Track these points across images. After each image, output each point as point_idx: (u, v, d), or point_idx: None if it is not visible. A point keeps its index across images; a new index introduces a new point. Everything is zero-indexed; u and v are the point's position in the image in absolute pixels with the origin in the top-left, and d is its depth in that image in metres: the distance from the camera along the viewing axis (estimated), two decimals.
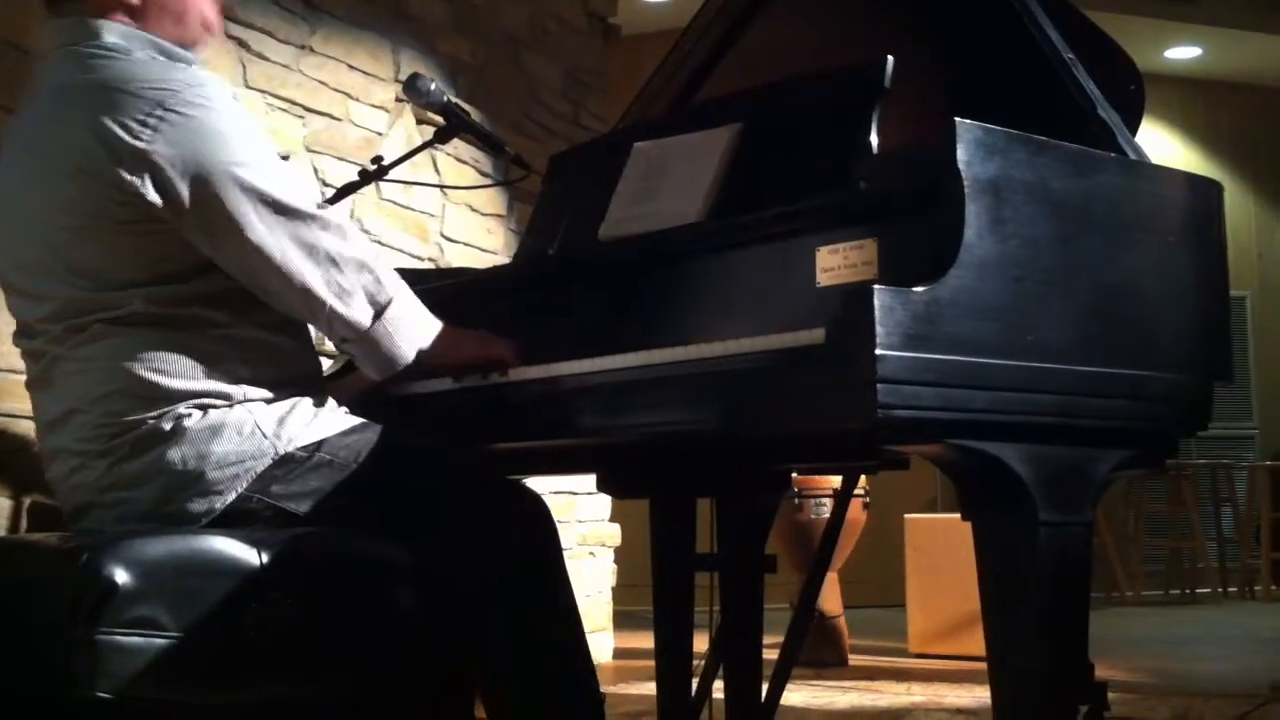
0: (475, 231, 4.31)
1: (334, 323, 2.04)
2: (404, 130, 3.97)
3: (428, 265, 4.04)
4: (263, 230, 1.95)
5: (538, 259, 2.66)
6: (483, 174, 4.24)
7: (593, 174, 2.59)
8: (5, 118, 2.60)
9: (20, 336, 2.10)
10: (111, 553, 1.73)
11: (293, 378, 2.07)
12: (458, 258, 4.17)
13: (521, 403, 2.18)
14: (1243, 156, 9.59)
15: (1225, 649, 6.02)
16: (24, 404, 2.58)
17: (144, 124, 1.90)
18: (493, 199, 4.39)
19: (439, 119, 2.71)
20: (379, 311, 2.05)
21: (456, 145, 3.23)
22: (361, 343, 2.07)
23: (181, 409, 1.95)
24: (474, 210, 4.30)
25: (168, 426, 1.93)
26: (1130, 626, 6.75)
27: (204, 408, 1.96)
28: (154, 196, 1.90)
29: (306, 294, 2.00)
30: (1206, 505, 8.67)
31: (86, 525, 2.00)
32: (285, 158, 2.44)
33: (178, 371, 1.95)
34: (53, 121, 1.98)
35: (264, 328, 2.04)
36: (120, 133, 1.89)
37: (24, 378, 2.59)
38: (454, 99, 2.75)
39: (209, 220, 1.94)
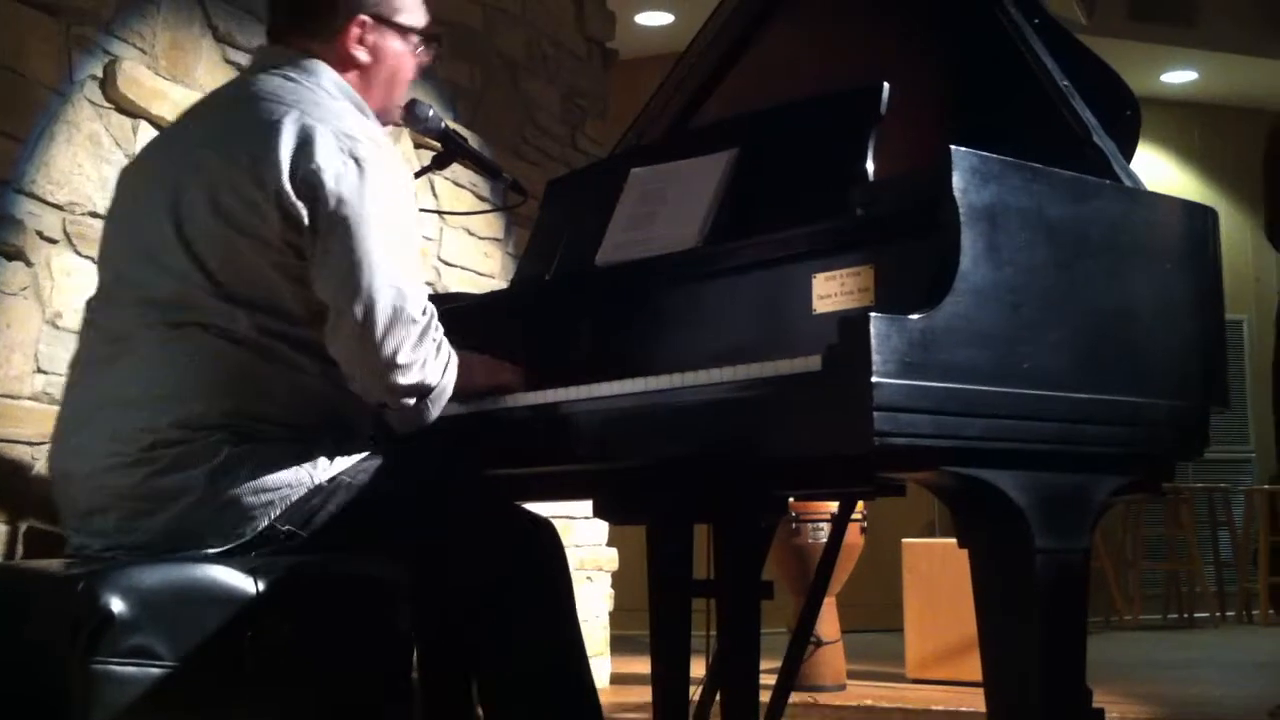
0: (473, 255, 4.31)
1: (378, 393, 2.06)
2: (401, 154, 3.98)
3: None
4: (367, 302, 1.97)
5: (534, 284, 2.66)
6: (480, 198, 4.25)
7: (590, 199, 2.59)
8: (4, 143, 2.61)
9: (102, 303, 2.11)
10: (108, 582, 1.73)
11: (339, 423, 2.09)
12: (455, 281, 4.18)
13: (518, 428, 2.18)
14: (1240, 180, 9.59)
15: (1224, 673, 6.00)
16: (19, 429, 2.59)
17: (330, 158, 1.96)
18: (490, 223, 4.40)
19: (437, 144, 2.72)
20: (424, 396, 2.08)
21: (454, 169, 3.24)
22: (402, 412, 2.09)
23: (229, 434, 1.96)
24: (471, 234, 4.30)
25: (214, 448, 1.94)
26: (1128, 651, 6.74)
27: (250, 436, 1.98)
28: (306, 221, 1.95)
29: (368, 372, 2.02)
30: (1204, 529, 8.66)
31: (97, 524, 1.99)
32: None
33: (242, 397, 1.98)
34: (244, 122, 2.02)
35: (336, 382, 2.06)
36: (305, 156, 1.95)
37: (21, 403, 2.60)
38: (452, 124, 2.75)
39: (336, 264, 1.97)
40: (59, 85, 2.74)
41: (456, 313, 2.64)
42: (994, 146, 1.85)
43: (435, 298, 3.13)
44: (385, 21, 2.19)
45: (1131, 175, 2.18)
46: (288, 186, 1.95)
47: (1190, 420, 2.07)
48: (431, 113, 2.62)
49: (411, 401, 2.07)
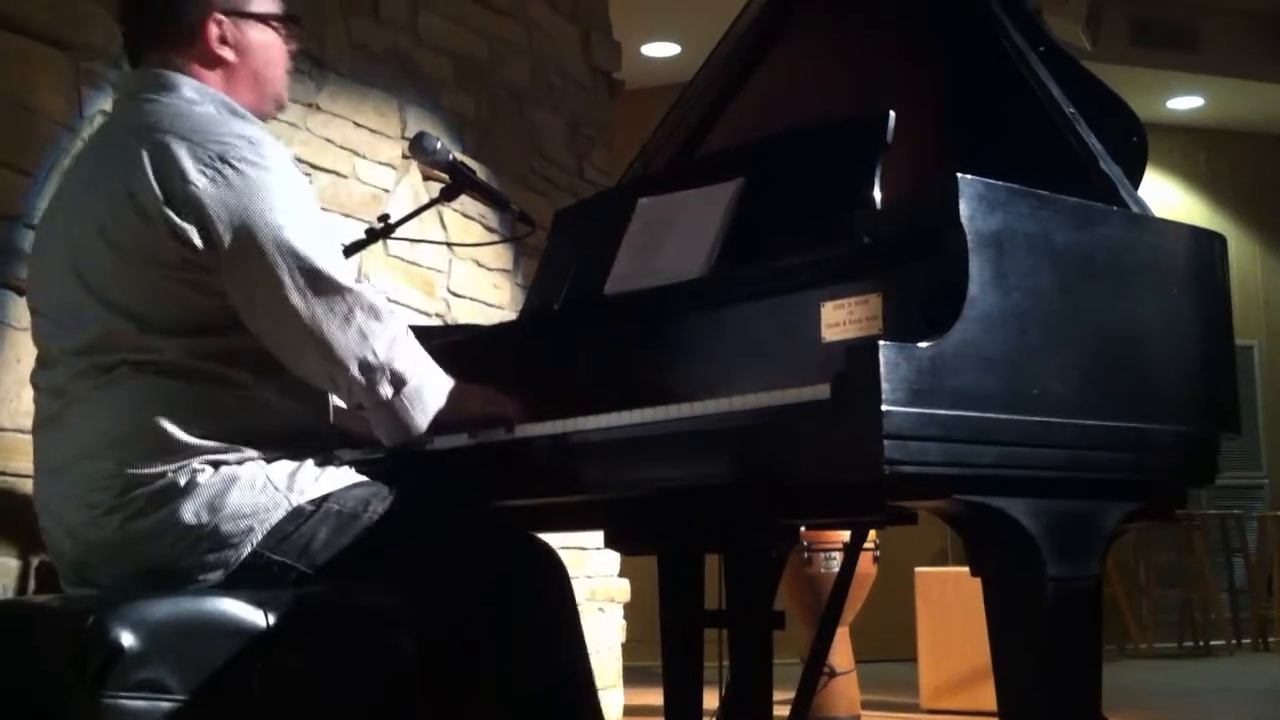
0: (482, 286, 4.32)
1: (354, 391, 2.06)
2: (410, 186, 3.99)
3: (434, 320, 4.05)
4: (297, 295, 1.97)
5: (543, 315, 2.66)
6: (489, 229, 4.25)
7: (597, 229, 2.60)
8: (9, 176, 2.62)
9: (40, 369, 2.10)
10: (118, 615, 1.73)
11: (303, 438, 2.09)
12: (464, 313, 4.18)
13: (527, 459, 2.18)
14: (1246, 205, 9.60)
15: (1238, 701, 5.97)
16: (28, 462, 2.58)
17: (201, 172, 1.94)
18: (499, 254, 4.41)
19: (445, 176, 2.72)
20: (399, 387, 2.07)
21: (463, 201, 3.25)
22: (378, 411, 2.09)
23: (196, 463, 1.95)
24: (480, 265, 4.31)
25: (182, 481, 1.94)
26: (1143, 678, 6.70)
27: (217, 464, 1.97)
28: (198, 242, 1.93)
29: (331, 363, 2.02)
30: (1218, 555, 8.62)
31: (90, 577, 1.99)
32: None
33: (196, 425, 1.96)
34: (113, 156, 2.01)
35: (282, 391, 2.05)
36: (176, 176, 1.93)
37: (26, 436, 2.60)
38: (459, 155, 2.76)
39: (248, 276, 1.96)
40: (69, 121, 2.76)
41: (466, 344, 2.65)
42: (1000, 173, 1.85)
43: (443, 329, 3.14)
44: (240, 14, 2.14)
45: (1139, 201, 2.18)
46: (168, 211, 1.93)
47: (1200, 446, 2.07)
48: (439, 145, 2.63)
49: (387, 392, 2.05)
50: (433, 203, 2.81)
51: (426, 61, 4.11)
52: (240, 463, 1.98)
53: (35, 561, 2.58)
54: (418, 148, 2.63)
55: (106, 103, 2.84)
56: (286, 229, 1.96)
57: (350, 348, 2.01)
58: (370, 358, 2.03)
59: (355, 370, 2.03)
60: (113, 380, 1.97)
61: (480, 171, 3.96)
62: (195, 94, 2.07)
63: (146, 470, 1.94)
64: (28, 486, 2.59)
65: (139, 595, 1.83)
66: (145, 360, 1.96)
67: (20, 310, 2.62)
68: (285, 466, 2.02)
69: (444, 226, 4.07)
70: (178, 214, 1.93)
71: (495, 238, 4.25)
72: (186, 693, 1.75)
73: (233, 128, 2.02)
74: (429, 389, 2.10)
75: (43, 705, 1.76)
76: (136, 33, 2.15)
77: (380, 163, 3.97)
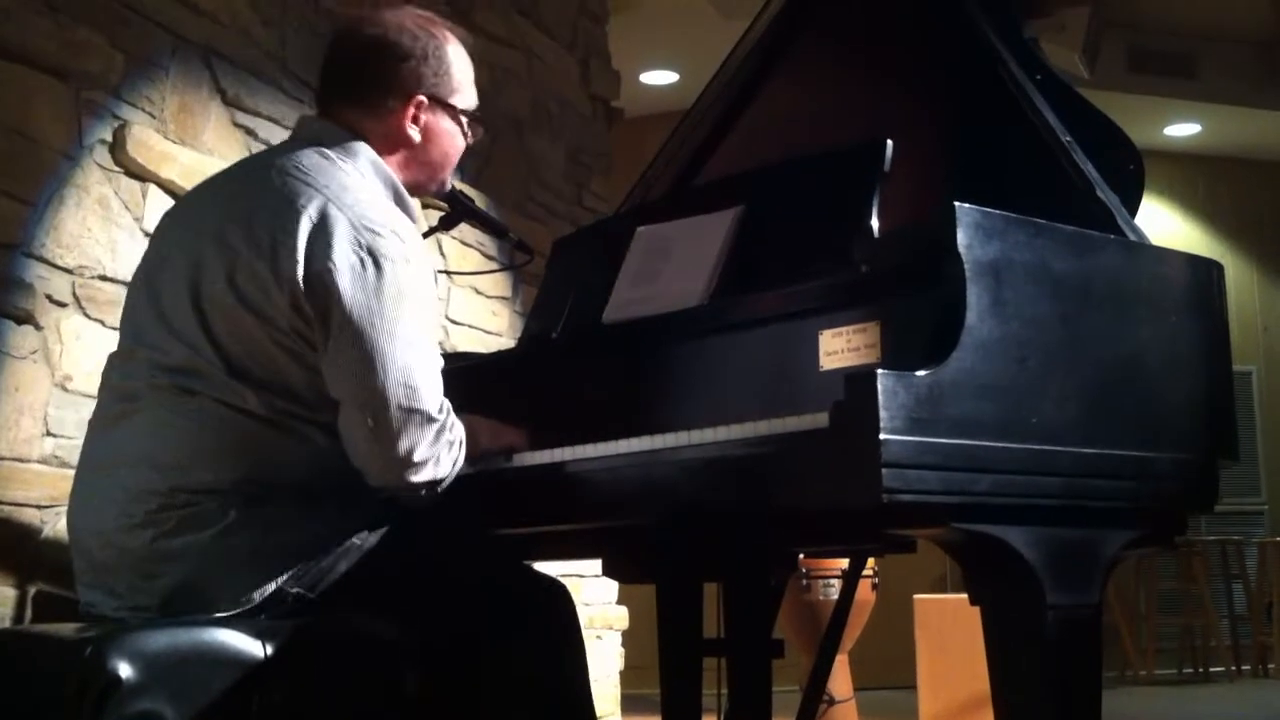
0: (480, 314, 4.32)
1: (390, 487, 2.06)
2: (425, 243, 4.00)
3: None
4: (379, 405, 1.97)
5: (542, 342, 2.67)
6: (488, 256, 4.26)
7: (596, 258, 2.60)
8: (8, 204, 2.62)
9: (119, 360, 2.11)
10: (116, 646, 1.72)
11: (347, 488, 2.08)
12: (463, 340, 4.18)
13: (526, 488, 2.18)
14: (1244, 231, 9.62)
15: None
16: (27, 492, 2.59)
17: (346, 255, 1.95)
18: (498, 282, 4.41)
19: (444, 205, 2.73)
20: (434, 488, 2.08)
21: (461, 228, 3.25)
22: (408, 499, 2.09)
23: (237, 499, 1.96)
24: (479, 293, 4.31)
25: (222, 511, 1.95)
26: (1143, 706, 6.68)
27: (259, 500, 1.98)
28: (315, 317, 1.95)
29: (380, 465, 2.01)
30: (1218, 582, 8.59)
31: (110, 583, 1.99)
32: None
33: (251, 466, 1.98)
34: (276, 198, 2.01)
35: (340, 451, 2.04)
36: (324, 251, 1.95)
37: (30, 466, 2.60)
38: (458, 183, 2.76)
39: (347, 363, 1.96)
40: (68, 149, 2.76)
41: (464, 372, 2.65)
42: (997, 202, 1.86)
43: (444, 357, 3.14)
44: (440, 102, 2.20)
45: (1136, 229, 2.19)
46: (301, 282, 1.94)
47: (1199, 473, 2.07)
48: None
49: (423, 493, 2.07)
50: (432, 231, 2.81)
51: None
52: (280, 505, 1.99)
53: (33, 590, 2.57)
54: None
55: (106, 131, 2.85)
56: (401, 341, 1.97)
57: (400, 472, 2.01)
58: (413, 481, 2.03)
59: (396, 484, 2.03)
60: (189, 404, 1.98)
61: (479, 199, 3.97)
62: (371, 168, 2.12)
63: (188, 495, 1.95)
64: (26, 516, 2.60)
65: (138, 625, 1.83)
66: (227, 401, 1.98)
67: (18, 339, 2.62)
68: (322, 511, 2.03)
69: (443, 254, 4.07)
70: (308, 286, 1.94)
71: (494, 265, 4.26)
72: None
73: (392, 217, 2.04)
74: (456, 471, 2.10)
75: None
76: (340, 88, 2.19)
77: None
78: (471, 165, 4.32)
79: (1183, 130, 9.06)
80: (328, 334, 1.96)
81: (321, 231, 1.96)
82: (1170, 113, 8.71)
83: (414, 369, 1.99)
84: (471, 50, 2.33)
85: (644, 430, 1.99)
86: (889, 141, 2.19)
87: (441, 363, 2.09)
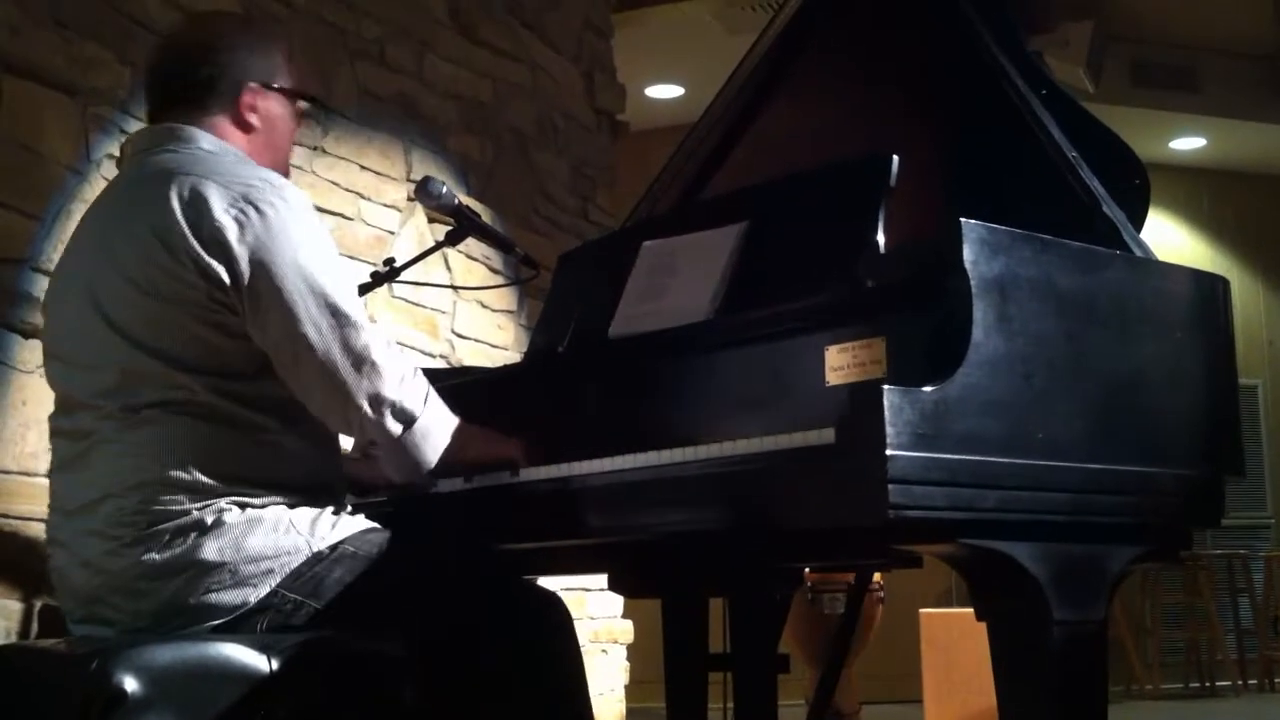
0: (486, 328, 4.32)
1: (365, 427, 2.09)
2: (415, 229, 4.01)
3: (439, 361, 4.05)
4: (313, 328, 2.01)
5: (548, 357, 2.67)
6: (493, 270, 4.27)
7: (601, 272, 2.61)
8: (12, 218, 2.63)
9: (59, 414, 2.12)
10: (121, 660, 1.72)
11: (320, 486, 2.11)
12: (468, 354, 4.19)
13: (531, 502, 2.18)
14: (1250, 245, 9.61)
15: None
16: (32, 505, 2.60)
17: (226, 211, 1.99)
18: (503, 295, 4.42)
19: (450, 220, 2.74)
20: (408, 424, 2.10)
21: (467, 242, 3.26)
22: (389, 448, 2.11)
23: (222, 504, 1.97)
24: (485, 307, 4.32)
25: (208, 519, 1.96)
26: None
27: (242, 505, 1.99)
28: (225, 278, 1.97)
29: (343, 396, 2.05)
30: (1224, 596, 8.57)
31: (102, 613, 1.99)
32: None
33: (222, 468, 1.99)
34: (137, 201, 2.06)
35: (303, 439, 2.08)
36: (205, 216, 1.98)
37: (36, 480, 2.61)
38: (463, 198, 2.77)
39: (268, 310, 2.00)
40: (76, 164, 2.77)
41: (469, 386, 2.65)
42: (1003, 217, 1.86)
43: (447, 371, 3.15)
44: (269, 87, 2.25)
45: (1141, 244, 2.19)
46: (198, 248, 1.97)
47: (1205, 489, 2.06)
48: (445, 190, 2.64)
49: (397, 429, 2.08)
50: (438, 246, 2.82)
51: (432, 105, 4.13)
52: (263, 505, 2.01)
53: (38, 604, 2.57)
54: (423, 192, 2.64)
55: (114, 146, 2.86)
56: (306, 265, 2.02)
57: (361, 384, 2.04)
58: (380, 394, 2.06)
59: (366, 406, 2.06)
60: (142, 421, 1.99)
61: (484, 213, 3.98)
62: (213, 146, 2.15)
63: (171, 508, 1.96)
64: (31, 529, 2.60)
65: (142, 640, 1.83)
66: (173, 400, 1.99)
67: (25, 353, 2.63)
68: (307, 512, 2.04)
69: (448, 268, 4.08)
70: (206, 251, 1.97)
71: (499, 279, 4.27)
72: None
73: (254, 172, 2.09)
74: (437, 427, 2.13)
75: None
76: (163, 91, 2.22)
77: (385, 205, 3.98)
78: (477, 179, 4.33)
79: (1188, 144, 9.06)
80: (239, 288, 1.99)
81: (195, 202, 1.99)
82: (1175, 127, 8.71)
83: (331, 289, 2.02)
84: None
85: (649, 445, 1.99)
86: (894, 157, 2.19)
87: (352, 280, 2.12)
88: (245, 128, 2.21)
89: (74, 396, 2.08)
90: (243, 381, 2.03)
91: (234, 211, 1.99)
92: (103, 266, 2.05)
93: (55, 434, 2.13)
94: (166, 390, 1.99)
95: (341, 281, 2.06)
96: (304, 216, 2.07)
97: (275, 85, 2.25)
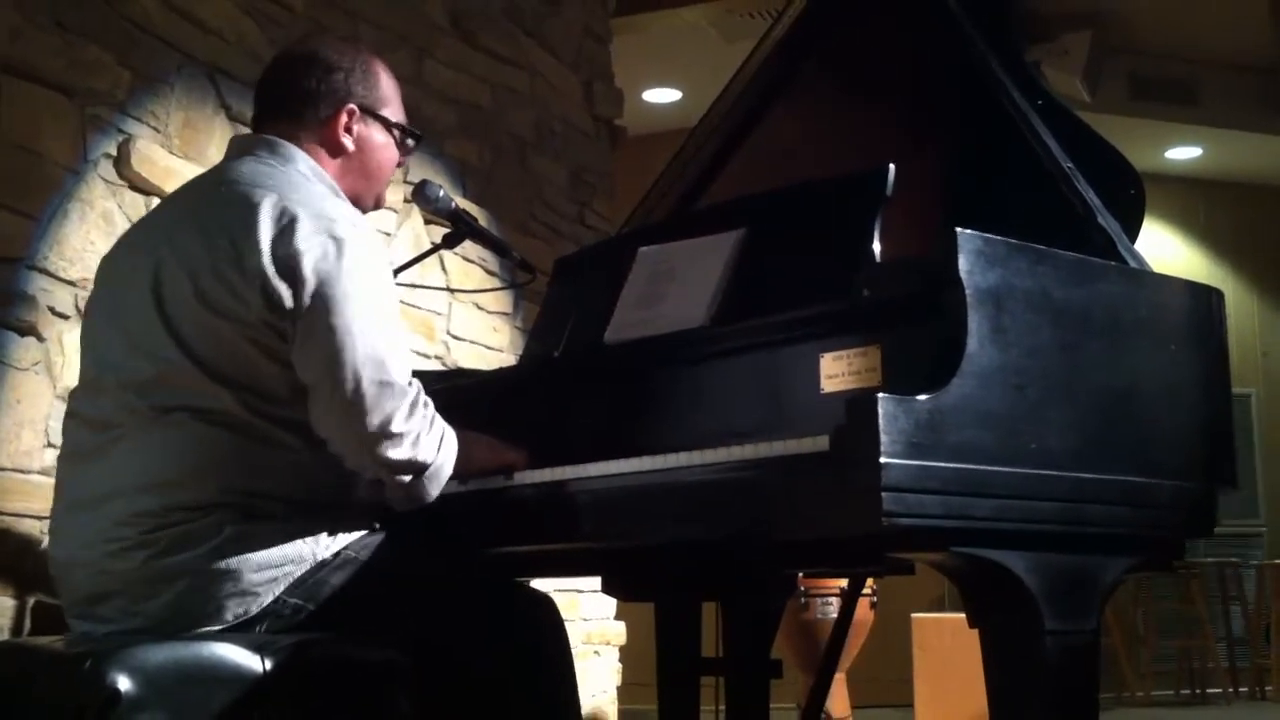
0: (482, 330, 4.33)
1: (376, 473, 2.07)
2: (412, 231, 4.01)
3: (434, 363, 4.05)
4: (350, 374, 1.98)
5: (543, 362, 2.67)
6: (490, 273, 4.27)
7: (598, 277, 2.61)
8: (9, 218, 2.63)
9: (82, 395, 2.12)
10: (115, 660, 1.73)
11: (335, 501, 2.11)
12: (464, 356, 4.19)
13: (525, 506, 2.18)
14: (1245, 255, 9.62)
15: None
16: (26, 503, 2.60)
17: (308, 239, 1.99)
18: (499, 298, 4.42)
19: (447, 223, 2.74)
20: (419, 473, 2.08)
21: (464, 245, 3.27)
22: (395, 489, 2.09)
23: (229, 513, 1.97)
24: (480, 308, 4.32)
25: (215, 527, 1.96)
26: None
27: (250, 515, 1.99)
28: (286, 302, 1.97)
29: (359, 449, 2.03)
30: (1216, 604, 8.58)
31: (101, 612, 1.99)
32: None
33: (239, 480, 1.99)
34: (227, 204, 2.06)
35: (328, 459, 2.07)
36: (289, 236, 1.98)
37: (30, 478, 2.61)
38: (461, 201, 2.77)
39: (315, 342, 1.99)
40: (73, 164, 2.78)
41: (465, 389, 2.66)
42: (998, 228, 1.86)
43: (443, 374, 3.15)
44: (371, 113, 2.26)
45: (1136, 255, 2.20)
46: (269, 269, 1.97)
47: (1198, 500, 2.07)
48: (442, 193, 2.65)
49: (407, 479, 2.07)
50: (435, 249, 2.83)
51: (430, 109, 4.13)
52: (273, 517, 2.01)
53: (32, 601, 2.58)
54: (420, 196, 2.65)
55: (111, 147, 2.86)
56: (366, 314, 2.00)
57: (380, 444, 2.02)
58: (393, 459, 2.04)
59: (379, 466, 2.05)
60: (168, 424, 1.99)
61: (482, 218, 3.98)
62: (309, 171, 2.16)
63: (182, 512, 1.96)
64: (25, 527, 2.60)
65: (137, 640, 1.83)
66: (203, 409, 1.99)
67: (20, 351, 2.63)
68: (316, 525, 2.04)
69: (444, 270, 4.08)
70: (277, 271, 1.97)
71: (496, 282, 4.27)
72: None
73: (341, 209, 2.09)
74: (445, 468, 2.12)
75: None
76: (266, 101, 2.25)
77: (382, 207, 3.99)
78: (474, 184, 4.33)
79: (1184, 154, 9.07)
80: (297, 316, 1.98)
81: (281, 224, 2.00)
82: (1171, 136, 8.72)
83: (381, 344, 2.01)
84: (399, 78, 2.40)
85: (643, 451, 2.00)
86: (891, 166, 2.19)
87: (408, 349, 2.11)
88: (337, 150, 2.23)
89: (105, 382, 2.07)
90: (275, 404, 2.03)
91: (315, 240, 1.99)
92: (172, 256, 2.05)
93: (74, 416, 2.12)
94: (198, 397, 1.99)
95: (394, 341, 2.05)
96: (379, 267, 2.07)
97: (379, 114, 2.27)
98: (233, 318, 1.98)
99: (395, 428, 2.02)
